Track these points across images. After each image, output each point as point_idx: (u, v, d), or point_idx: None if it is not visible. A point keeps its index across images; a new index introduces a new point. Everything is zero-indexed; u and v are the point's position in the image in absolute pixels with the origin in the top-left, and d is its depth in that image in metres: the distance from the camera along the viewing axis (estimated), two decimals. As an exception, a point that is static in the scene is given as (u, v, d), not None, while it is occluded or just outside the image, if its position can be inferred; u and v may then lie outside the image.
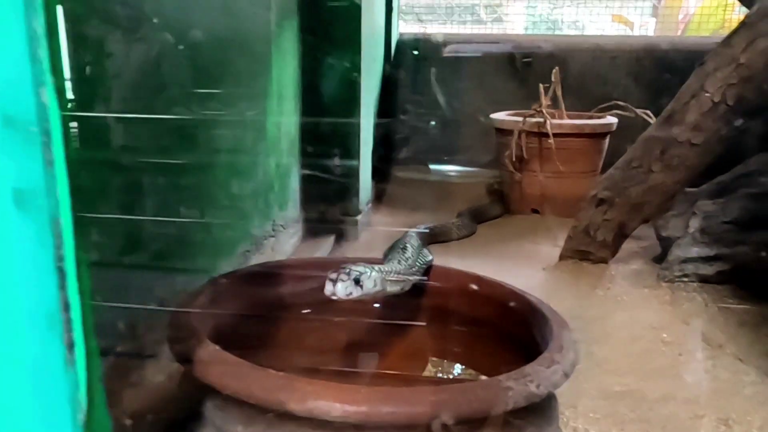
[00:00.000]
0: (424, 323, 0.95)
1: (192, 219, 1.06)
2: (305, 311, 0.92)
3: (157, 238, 0.93)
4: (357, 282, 0.78)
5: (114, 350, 0.77)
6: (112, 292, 0.78)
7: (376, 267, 0.85)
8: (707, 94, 1.40)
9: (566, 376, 0.70)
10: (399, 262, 0.92)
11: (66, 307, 0.37)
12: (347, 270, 0.79)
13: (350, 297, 0.78)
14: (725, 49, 1.41)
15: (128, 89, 0.85)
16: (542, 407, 0.73)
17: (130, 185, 0.84)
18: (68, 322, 0.38)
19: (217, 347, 0.66)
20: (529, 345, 0.82)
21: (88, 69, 0.76)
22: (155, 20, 0.91)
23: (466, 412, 0.59)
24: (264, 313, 0.88)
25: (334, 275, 0.78)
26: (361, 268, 0.80)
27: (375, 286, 0.81)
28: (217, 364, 0.63)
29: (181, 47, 1.00)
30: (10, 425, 0.36)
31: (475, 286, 0.94)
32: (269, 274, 0.93)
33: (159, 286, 0.90)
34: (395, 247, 0.97)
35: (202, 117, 1.11)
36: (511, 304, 0.90)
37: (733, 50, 1.39)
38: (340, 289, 0.77)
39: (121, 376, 0.78)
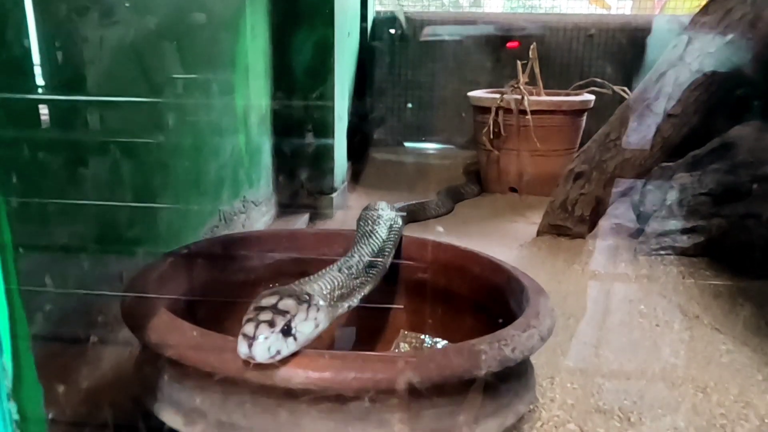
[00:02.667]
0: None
1: (153, 195, 1.01)
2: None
3: (109, 217, 0.88)
4: (287, 332, 0.52)
5: (66, 334, 0.72)
6: (61, 276, 0.73)
7: (321, 283, 0.64)
8: (685, 64, 1.38)
9: (543, 340, 0.67)
10: (363, 254, 0.78)
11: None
12: (274, 305, 0.54)
13: (276, 358, 0.52)
14: (702, 17, 1.39)
15: (93, 67, 0.80)
16: (519, 372, 0.70)
17: (75, 164, 0.79)
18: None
19: (172, 315, 0.62)
20: (505, 313, 0.79)
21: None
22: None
23: (437, 377, 0.56)
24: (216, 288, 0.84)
25: (249, 328, 0.51)
26: (290, 303, 0.54)
27: (317, 326, 0.56)
28: (172, 333, 0.59)
29: (142, 20, 0.94)
30: None
31: (449, 255, 0.91)
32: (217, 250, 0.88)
33: (111, 266, 0.85)
34: (364, 229, 0.87)
35: (164, 91, 1.05)
36: (487, 273, 0.87)
37: (710, 18, 1.37)
38: (259, 351, 0.51)
39: (74, 358, 0.73)
